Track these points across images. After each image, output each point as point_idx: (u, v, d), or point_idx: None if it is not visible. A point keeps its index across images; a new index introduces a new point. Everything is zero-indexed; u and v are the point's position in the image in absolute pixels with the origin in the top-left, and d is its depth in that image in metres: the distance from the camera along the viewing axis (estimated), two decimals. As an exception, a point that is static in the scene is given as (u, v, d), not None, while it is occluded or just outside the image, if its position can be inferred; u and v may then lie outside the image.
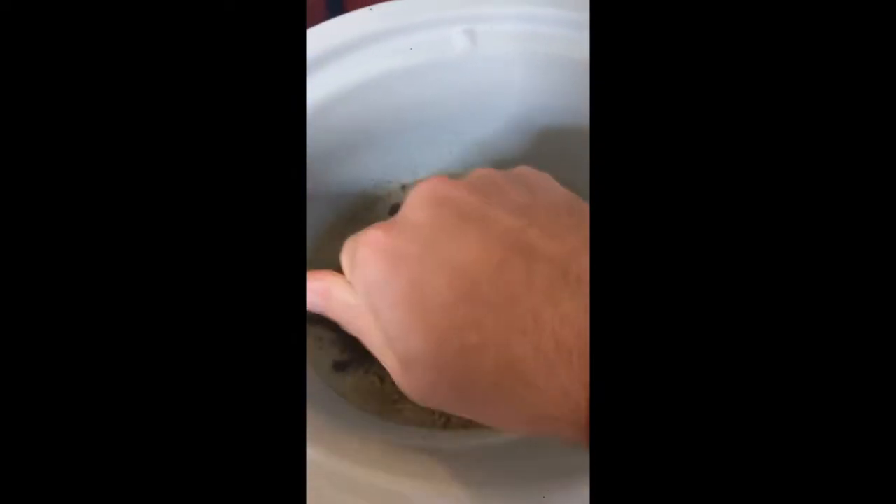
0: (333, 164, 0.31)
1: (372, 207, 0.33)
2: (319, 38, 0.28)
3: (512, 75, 0.28)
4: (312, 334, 0.29)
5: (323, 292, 0.21)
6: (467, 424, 0.27)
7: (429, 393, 0.17)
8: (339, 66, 0.28)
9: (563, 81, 0.28)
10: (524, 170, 0.20)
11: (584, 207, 0.19)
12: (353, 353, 0.29)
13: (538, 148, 0.31)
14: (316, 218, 0.32)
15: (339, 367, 0.29)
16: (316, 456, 0.20)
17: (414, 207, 0.18)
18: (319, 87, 0.28)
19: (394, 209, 0.33)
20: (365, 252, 0.18)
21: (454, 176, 0.33)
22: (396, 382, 0.18)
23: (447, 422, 0.27)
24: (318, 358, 0.29)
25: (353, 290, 0.19)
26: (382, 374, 0.28)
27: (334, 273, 0.22)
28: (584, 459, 0.15)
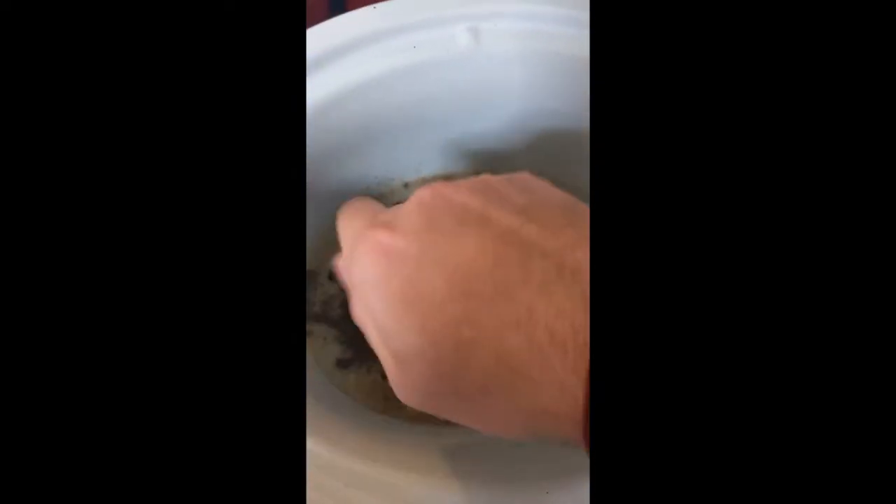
0: (336, 162, 0.31)
1: (375, 205, 0.33)
2: (322, 36, 0.28)
3: (515, 73, 0.28)
4: (316, 332, 0.30)
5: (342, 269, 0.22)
6: (470, 421, 0.27)
7: (423, 392, 0.18)
8: (341, 65, 0.28)
9: (567, 79, 0.28)
10: (525, 175, 0.21)
11: (581, 208, 0.19)
12: (357, 351, 0.29)
13: (541, 145, 0.31)
14: (319, 216, 0.32)
15: (343, 364, 0.29)
16: (317, 448, 0.20)
17: (414, 210, 0.19)
18: (322, 86, 0.28)
19: (397, 207, 0.33)
20: (364, 251, 0.18)
21: (456, 174, 0.33)
22: (391, 383, 0.18)
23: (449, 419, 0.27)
24: (321, 355, 0.29)
25: (348, 284, 0.20)
26: (385, 372, 0.29)
27: None
28: (586, 457, 0.15)
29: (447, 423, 0.27)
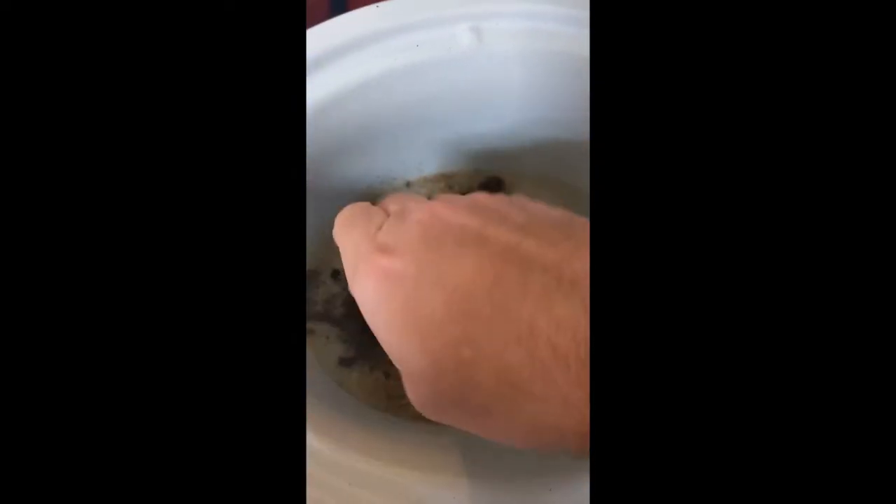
0: (338, 161, 0.31)
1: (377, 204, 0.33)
2: (323, 35, 0.28)
3: (517, 72, 0.28)
4: (318, 331, 0.30)
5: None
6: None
7: (432, 408, 0.18)
8: (343, 64, 0.28)
9: (569, 79, 0.28)
10: (521, 196, 0.21)
11: (579, 221, 0.19)
12: (359, 350, 0.29)
13: (542, 144, 0.31)
14: (321, 215, 0.32)
15: (346, 363, 0.29)
16: (321, 446, 0.20)
17: (412, 232, 0.19)
18: (324, 85, 0.28)
19: (399, 206, 0.33)
20: (365, 273, 0.19)
21: (458, 173, 0.33)
22: (407, 393, 0.19)
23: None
24: (323, 354, 0.29)
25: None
26: (388, 371, 0.29)
27: None
28: None
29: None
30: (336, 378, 0.28)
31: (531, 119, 0.30)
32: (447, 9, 0.28)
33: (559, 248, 0.17)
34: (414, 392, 0.18)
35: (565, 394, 0.15)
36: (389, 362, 0.29)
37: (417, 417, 0.28)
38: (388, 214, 0.20)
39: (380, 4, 0.28)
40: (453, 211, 0.19)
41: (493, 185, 0.33)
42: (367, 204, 0.22)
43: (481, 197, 0.20)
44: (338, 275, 0.31)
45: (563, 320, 0.15)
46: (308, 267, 0.32)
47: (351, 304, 0.30)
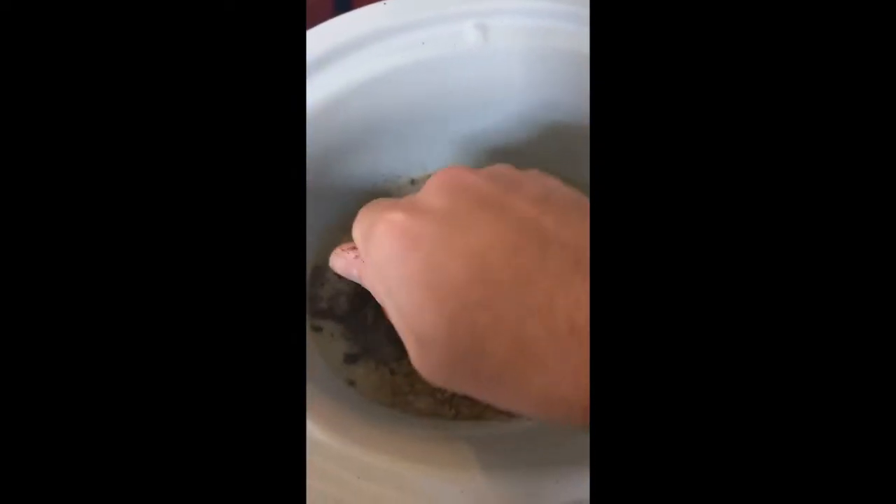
0: (343, 158, 0.31)
1: (382, 202, 0.34)
2: (330, 33, 0.28)
3: (523, 69, 0.28)
4: (324, 328, 0.30)
5: (358, 264, 0.22)
6: (478, 416, 0.27)
7: (441, 371, 0.18)
8: (349, 62, 0.28)
9: (574, 76, 0.28)
10: (537, 171, 0.21)
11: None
12: (364, 346, 0.29)
13: (547, 141, 0.31)
14: (326, 212, 0.32)
15: (351, 359, 0.29)
16: (326, 439, 0.20)
17: (432, 192, 0.19)
18: (329, 83, 0.28)
19: (404, 203, 0.33)
20: (381, 230, 0.18)
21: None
22: (412, 360, 0.19)
23: (457, 413, 0.28)
24: (329, 350, 0.29)
25: (367, 268, 0.20)
26: (393, 367, 0.29)
27: None
28: None
29: (455, 418, 0.27)
30: (342, 375, 0.28)
31: (535, 115, 0.30)
32: (453, 6, 0.28)
33: (575, 228, 0.17)
34: (424, 356, 0.18)
35: (578, 369, 0.15)
36: (394, 358, 0.30)
37: (423, 413, 0.28)
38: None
39: (386, 1, 0.28)
40: (474, 175, 0.19)
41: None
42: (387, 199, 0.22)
43: (500, 167, 0.20)
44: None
45: (581, 299, 0.16)
46: (314, 264, 0.32)
47: (355, 301, 0.30)
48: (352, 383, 0.28)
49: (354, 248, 0.23)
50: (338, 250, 0.23)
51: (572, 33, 0.28)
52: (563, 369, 0.16)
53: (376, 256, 0.19)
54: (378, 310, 0.30)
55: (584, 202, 0.19)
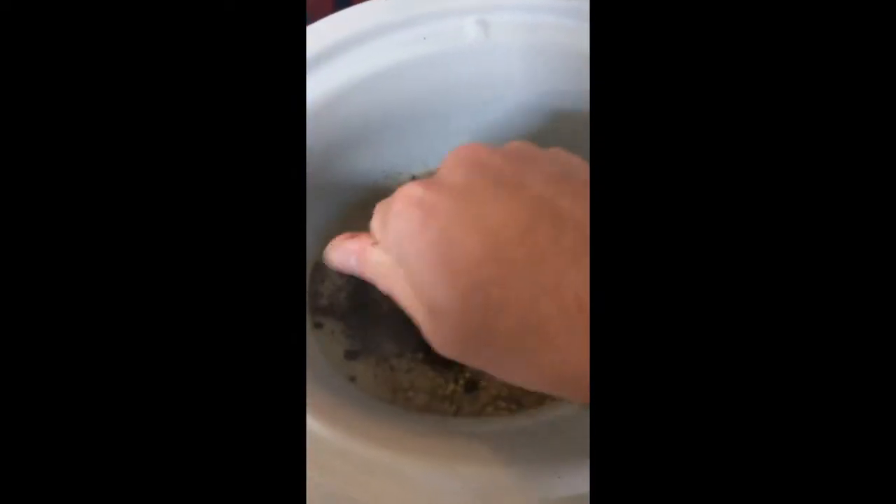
0: (345, 154, 0.31)
1: (383, 198, 0.34)
2: (331, 29, 0.28)
3: (524, 65, 0.28)
4: (325, 325, 0.30)
5: (358, 252, 0.22)
6: (479, 412, 0.27)
7: (453, 344, 0.18)
8: (350, 57, 0.28)
9: (576, 72, 0.28)
10: (559, 150, 0.21)
11: None
12: (365, 343, 0.29)
13: (548, 138, 0.31)
14: (328, 208, 0.32)
15: (351, 355, 0.29)
16: (329, 435, 0.20)
17: (451, 168, 0.19)
18: (330, 79, 0.28)
19: (404, 200, 0.33)
20: (399, 204, 0.19)
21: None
22: (423, 332, 0.19)
23: (458, 410, 0.28)
24: (329, 347, 0.29)
25: (383, 249, 0.20)
26: (393, 364, 0.29)
27: (368, 234, 0.22)
28: None
29: (455, 414, 0.27)
30: (342, 371, 0.28)
31: (536, 111, 0.30)
32: (454, 2, 0.28)
33: (590, 209, 0.17)
34: (437, 329, 0.18)
35: (587, 347, 0.16)
36: (395, 355, 0.29)
37: (423, 409, 0.28)
38: None
39: (389, -5, 0.28)
40: (492, 152, 0.19)
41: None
42: None
43: (520, 144, 0.20)
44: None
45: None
46: (314, 260, 0.32)
47: (355, 298, 0.30)
48: (352, 379, 0.28)
49: (352, 236, 0.23)
50: (334, 241, 0.23)
51: (573, 29, 0.28)
52: (573, 347, 0.16)
53: (393, 231, 0.19)
54: (378, 306, 0.30)
55: None
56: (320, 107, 0.28)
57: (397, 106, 0.30)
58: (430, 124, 0.31)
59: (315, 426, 0.20)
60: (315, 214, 0.28)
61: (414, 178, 0.34)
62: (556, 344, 0.16)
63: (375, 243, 0.21)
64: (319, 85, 0.28)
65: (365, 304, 0.30)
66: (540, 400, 0.27)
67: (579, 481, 0.19)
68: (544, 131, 0.31)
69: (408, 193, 0.19)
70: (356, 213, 0.33)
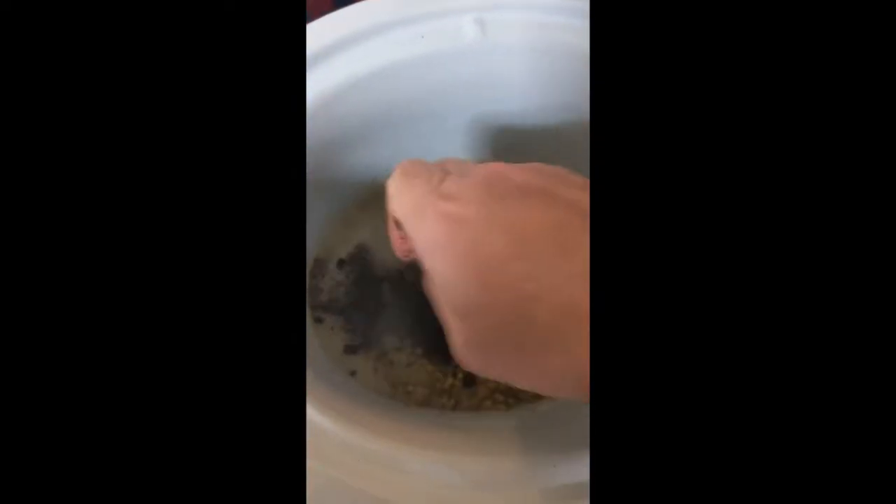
0: (345, 152, 0.31)
1: (382, 195, 0.34)
2: (329, 27, 0.28)
3: (521, 64, 0.29)
4: (325, 320, 0.30)
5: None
6: (476, 407, 0.28)
7: (483, 349, 0.18)
8: (349, 56, 0.28)
9: (573, 70, 0.28)
10: (563, 168, 0.21)
11: None
12: (364, 338, 0.30)
13: (547, 136, 0.31)
14: (327, 205, 0.32)
15: (351, 350, 0.29)
16: (325, 424, 0.20)
17: (477, 184, 0.19)
18: (330, 77, 0.28)
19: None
20: (431, 219, 0.19)
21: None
22: (452, 343, 0.19)
23: (456, 404, 0.28)
24: (329, 341, 0.29)
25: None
26: (393, 358, 0.29)
27: None
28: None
29: (454, 408, 0.28)
30: (342, 365, 0.29)
31: (537, 111, 0.31)
32: (451, 1, 0.28)
33: None
34: (466, 331, 0.18)
35: None
36: (394, 349, 0.30)
37: (422, 403, 0.28)
38: (446, 173, 0.21)
39: (386, -6, 0.28)
40: (513, 170, 0.19)
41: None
42: (424, 160, 0.22)
43: (540, 164, 0.20)
44: (343, 264, 0.32)
45: None
46: (314, 256, 0.32)
47: (354, 294, 0.31)
48: (353, 374, 0.28)
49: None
50: (394, 234, 0.23)
51: (571, 27, 0.28)
52: None
53: (424, 241, 0.19)
54: (377, 301, 0.30)
55: None
56: (318, 106, 0.28)
57: (397, 104, 0.30)
58: (431, 122, 0.31)
59: (316, 418, 0.20)
60: (313, 211, 0.28)
61: (412, 175, 0.34)
62: None
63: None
64: (317, 84, 0.28)
65: (364, 299, 0.30)
66: (536, 395, 0.28)
67: (576, 471, 0.19)
68: (543, 130, 0.32)
69: (439, 209, 0.19)
70: (356, 210, 0.33)
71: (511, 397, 0.28)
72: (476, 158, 0.34)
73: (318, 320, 0.30)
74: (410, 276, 0.31)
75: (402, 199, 0.21)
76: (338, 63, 0.28)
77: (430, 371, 0.29)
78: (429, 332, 0.29)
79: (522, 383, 0.18)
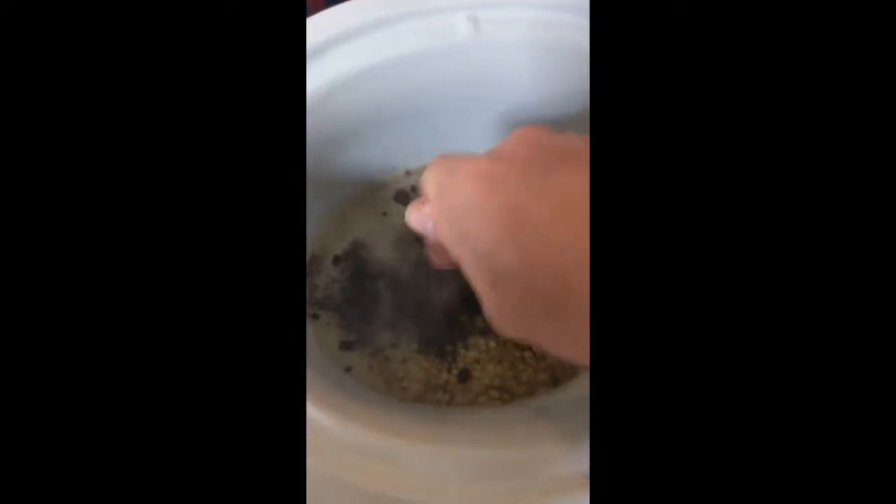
0: (339, 150, 0.31)
1: (377, 192, 0.34)
2: (323, 24, 0.28)
3: (515, 61, 0.29)
4: (320, 317, 0.30)
5: (434, 217, 0.21)
6: (472, 402, 0.28)
7: (517, 313, 0.18)
8: (343, 53, 0.28)
9: (566, 67, 0.28)
10: None
11: None
12: (360, 334, 0.30)
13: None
14: (322, 202, 0.32)
15: (346, 346, 0.29)
16: (321, 419, 0.21)
17: (515, 144, 0.19)
18: (323, 74, 0.28)
19: (398, 195, 0.34)
20: (463, 175, 0.19)
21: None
22: (486, 308, 0.19)
23: (451, 399, 0.28)
24: (325, 338, 0.29)
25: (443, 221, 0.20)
26: (388, 354, 0.29)
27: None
28: (587, 420, 0.15)
29: (449, 403, 0.28)
30: (338, 361, 0.29)
31: (529, 107, 0.31)
32: (445, -2, 0.28)
33: None
34: (501, 298, 0.18)
35: None
36: (390, 345, 0.30)
37: (418, 399, 0.28)
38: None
39: (379, -7, 0.28)
40: (553, 132, 0.19)
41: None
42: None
43: (575, 133, 0.20)
44: (338, 261, 0.32)
45: None
46: (311, 253, 0.32)
47: (350, 290, 0.31)
48: (348, 370, 0.29)
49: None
50: (415, 203, 0.22)
51: (565, 24, 0.28)
52: None
53: (453, 200, 0.19)
54: (373, 297, 0.30)
55: None
56: (314, 102, 0.28)
57: (390, 102, 0.30)
58: (425, 120, 0.31)
59: (313, 414, 0.21)
60: (309, 209, 0.28)
61: (408, 172, 0.34)
62: None
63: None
64: (312, 80, 0.28)
65: (359, 295, 0.31)
66: (530, 390, 0.28)
67: (573, 461, 0.19)
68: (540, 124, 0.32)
69: (474, 165, 0.18)
70: (351, 207, 0.34)
71: (506, 393, 0.28)
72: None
73: (314, 317, 0.30)
74: (408, 269, 0.31)
75: (433, 172, 0.20)
76: (331, 60, 0.28)
77: (425, 367, 0.29)
78: (424, 329, 0.29)
79: (555, 350, 0.18)
